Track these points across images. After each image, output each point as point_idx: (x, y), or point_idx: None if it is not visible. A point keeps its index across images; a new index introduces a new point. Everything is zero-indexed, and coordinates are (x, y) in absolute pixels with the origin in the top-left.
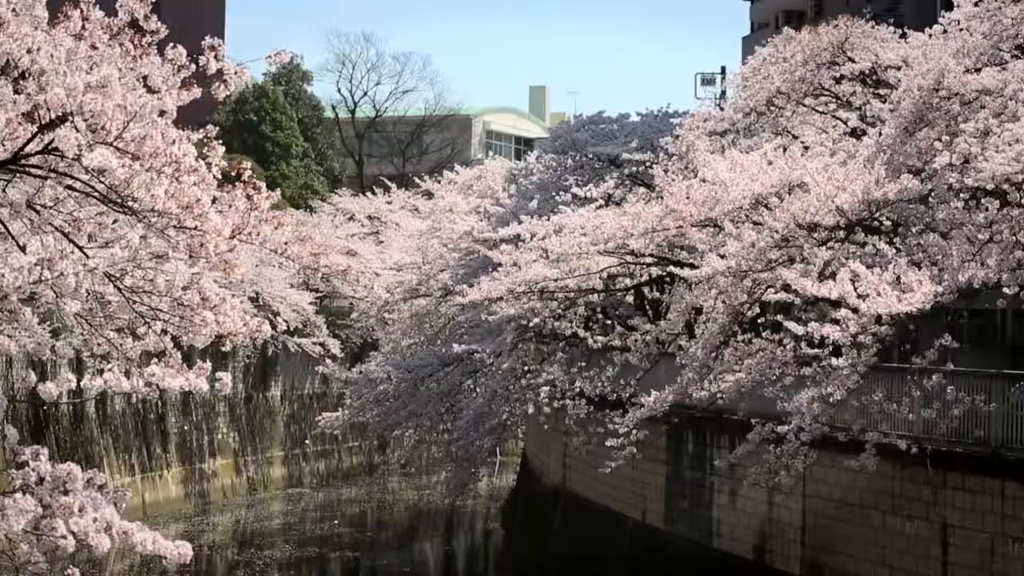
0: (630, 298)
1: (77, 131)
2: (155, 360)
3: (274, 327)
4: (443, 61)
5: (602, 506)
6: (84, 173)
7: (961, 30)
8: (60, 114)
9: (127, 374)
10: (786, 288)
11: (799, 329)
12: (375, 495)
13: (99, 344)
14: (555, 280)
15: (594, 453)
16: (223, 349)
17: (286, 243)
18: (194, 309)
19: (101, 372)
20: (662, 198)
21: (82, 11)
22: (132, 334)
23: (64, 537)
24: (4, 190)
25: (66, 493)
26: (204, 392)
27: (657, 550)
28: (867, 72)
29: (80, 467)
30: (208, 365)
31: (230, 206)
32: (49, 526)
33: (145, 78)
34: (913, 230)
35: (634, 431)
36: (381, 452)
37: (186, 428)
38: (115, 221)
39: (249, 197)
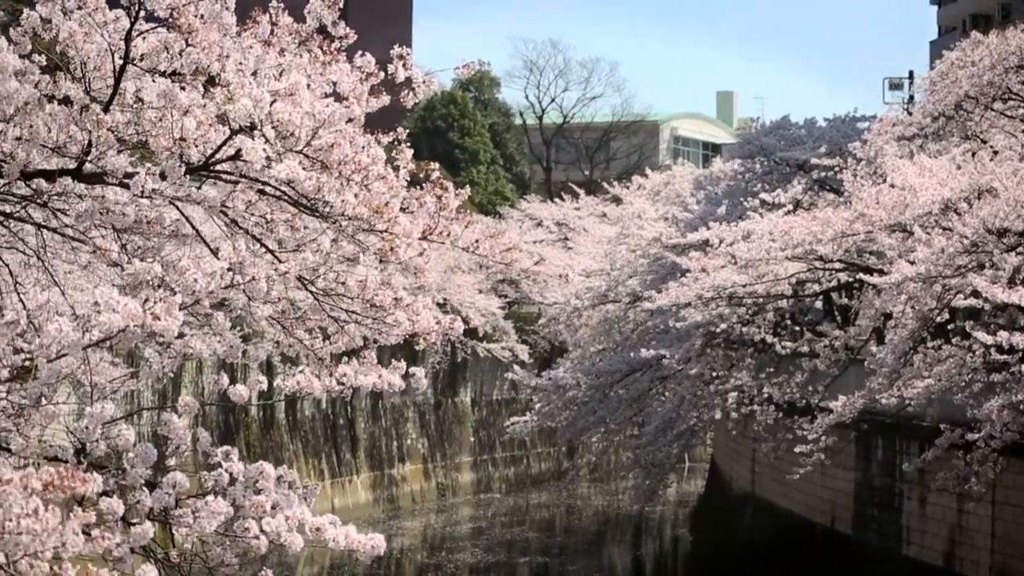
0: (819, 304)
1: (266, 140)
2: (346, 360)
3: (466, 322)
4: (630, 67)
5: (791, 512)
6: (275, 177)
7: None
8: (249, 122)
9: (318, 376)
10: (975, 294)
11: (988, 339)
12: (563, 500)
13: (290, 346)
14: (743, 286)
15: (783, 459)
16: (416, 348)
17: (476, 241)
18: (386, 309)
19: (292, 375)
20: (850, 203)
21: (271, 17)
22: (324, 334)
23: (257, 537)
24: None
25: (258, 492)
26: (397, 389)
27: (846, 556)
28: None
29: (271, 465)
30: (402, 364)
31: (420, 204)
32: (241, 527)
33: (334, 85)
34: None
35: (823, 437)
36: (569, 457)
37: (375, 433)
38: (305, 226)
39: (438, 198)
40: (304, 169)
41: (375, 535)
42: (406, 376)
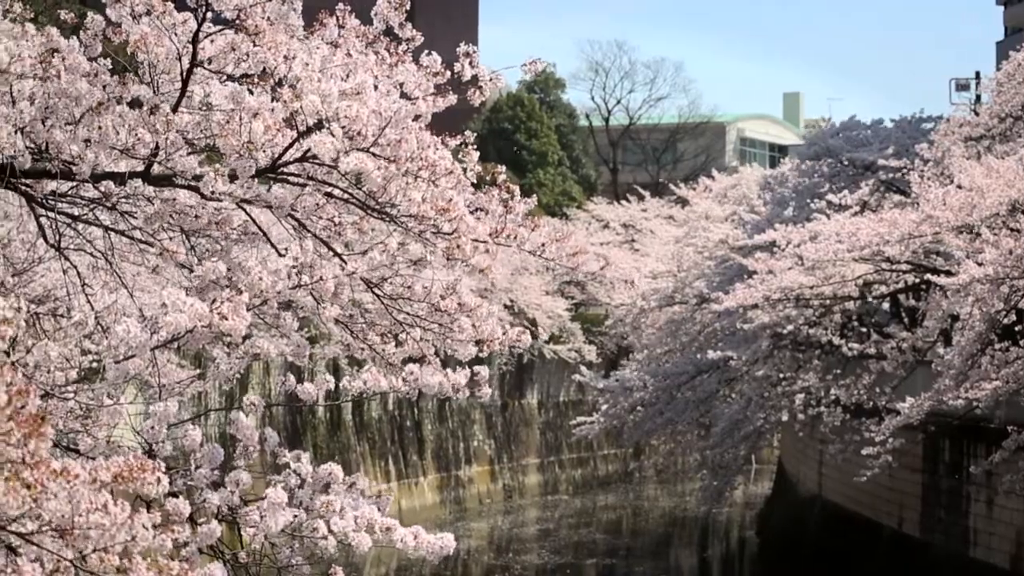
0: (886, 305)
1: (333, 136)
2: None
3: (534, 336)
4: (696, 68)
5: (858, 514)
6: (342, 180)
7: None
8: (316, 121)
9: (386, 375)
10: None
11: None
12: (630, 502)
13: (360, 350)
14: (810, 287)
15: (850, 461)
16: (480, 355)
17: (543, 244)
18: (452, 315)
19: (359, 376)
20: (917, 204)
21: (338, 19)
22: (395, 339)
23: (325, 537)
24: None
25: (326, 494)
26: (463, 393)
27: (913, 559)
28: None
29: (339, 466)
30: (467, 371)
31: (486, 212)
32: (310, 527)
33: (401, 85)
34: None
35: (890, 439)
36: (636, 459)
37: (442, 435)
38: (373, 229)
39: (504, 201)
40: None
41: (444, 535)
42: (472, 377)
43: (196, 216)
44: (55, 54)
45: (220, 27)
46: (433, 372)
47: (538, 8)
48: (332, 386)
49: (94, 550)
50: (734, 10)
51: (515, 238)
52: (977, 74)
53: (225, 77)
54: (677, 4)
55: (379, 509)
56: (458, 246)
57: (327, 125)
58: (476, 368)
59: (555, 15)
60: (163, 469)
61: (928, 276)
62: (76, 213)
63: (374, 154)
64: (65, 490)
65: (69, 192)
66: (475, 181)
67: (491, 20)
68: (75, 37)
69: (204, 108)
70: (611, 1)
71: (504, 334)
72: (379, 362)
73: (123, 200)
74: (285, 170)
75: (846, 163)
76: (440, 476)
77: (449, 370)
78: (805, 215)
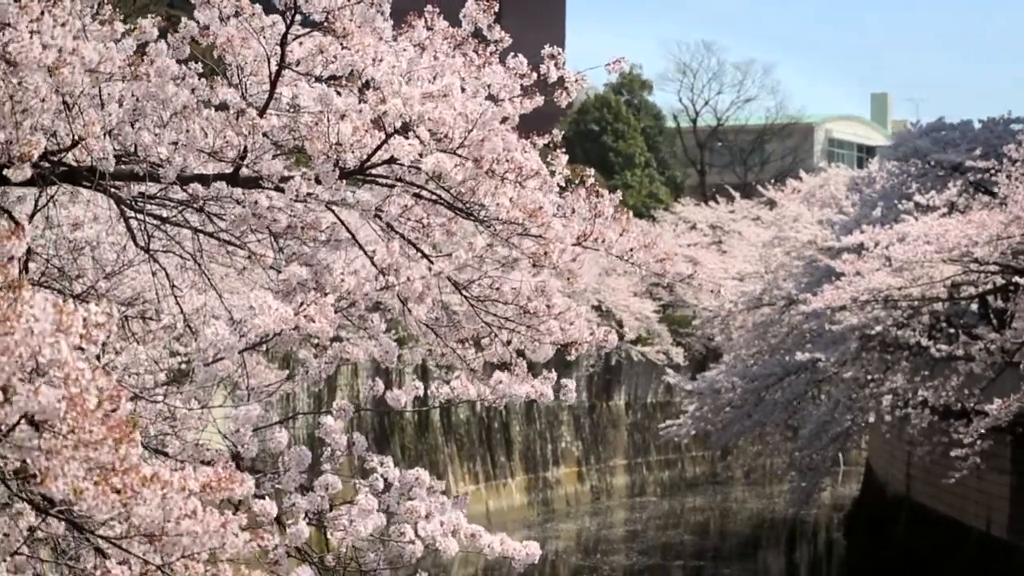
0: (974, 306)
1: (420, 141)
2: (498, 369)
3: (621, 337)
4: (783, 69)
5: (946, 516)
6: (430, 181)
7: None
8: (403, 123)
9: (473, 382)
10: None
11: None
12: (718, 504)
13: (443, 355)
14: (898, 289)
15: (938, 463)
16: (567, 359)
17: (631, 249)
18: (540, 317)
19: (447, 381)
20: (1006, 205)
21: (426, 21)
22: (476, 344)
23: (412, 542)
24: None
25: (412, 499)
26: (549, 401)
27: (1001, 561)
28: None
29: (426, 471)
30: (553, 375)
31: (573, 211)
32: (397, 532)
33: (488, 87)
34: None
35: (978, 441)
36: (724, 461)
37: (530, 436)
38: (460, 229)
39: (593, 204)
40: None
41: (530, 543)
42: (557, 387)
43: (282, 220)
44: (144, 56)
45: (308, 29)
46: (521, 381)
47: (625, 9)
48: (420, 392)
49: (182, 556)
50: (821, 11)
51: (602, 242)
52: None
53: (313, 79)
54: (767, 4)
55: (461, 510)
56: (545, 253)
57: (412, 128)
58: (563, 381)
59: (642, 16)
60: (247, 477)
61: (1017, 278)
62: (165, 215)
63: (460, 155)
64: (156, 495)
65: (158, 194)
66: (563, 184)
67: (578, 21)
68: (163, 40)
69: (292, 110)
70: (699, 2)
71: (591, 335)
72: (464, 368)
73: (211, 202)
74: (373, 171)
75: (933, 164)
76: (528, 477)
77: (536, 379)
78: (893, 216)
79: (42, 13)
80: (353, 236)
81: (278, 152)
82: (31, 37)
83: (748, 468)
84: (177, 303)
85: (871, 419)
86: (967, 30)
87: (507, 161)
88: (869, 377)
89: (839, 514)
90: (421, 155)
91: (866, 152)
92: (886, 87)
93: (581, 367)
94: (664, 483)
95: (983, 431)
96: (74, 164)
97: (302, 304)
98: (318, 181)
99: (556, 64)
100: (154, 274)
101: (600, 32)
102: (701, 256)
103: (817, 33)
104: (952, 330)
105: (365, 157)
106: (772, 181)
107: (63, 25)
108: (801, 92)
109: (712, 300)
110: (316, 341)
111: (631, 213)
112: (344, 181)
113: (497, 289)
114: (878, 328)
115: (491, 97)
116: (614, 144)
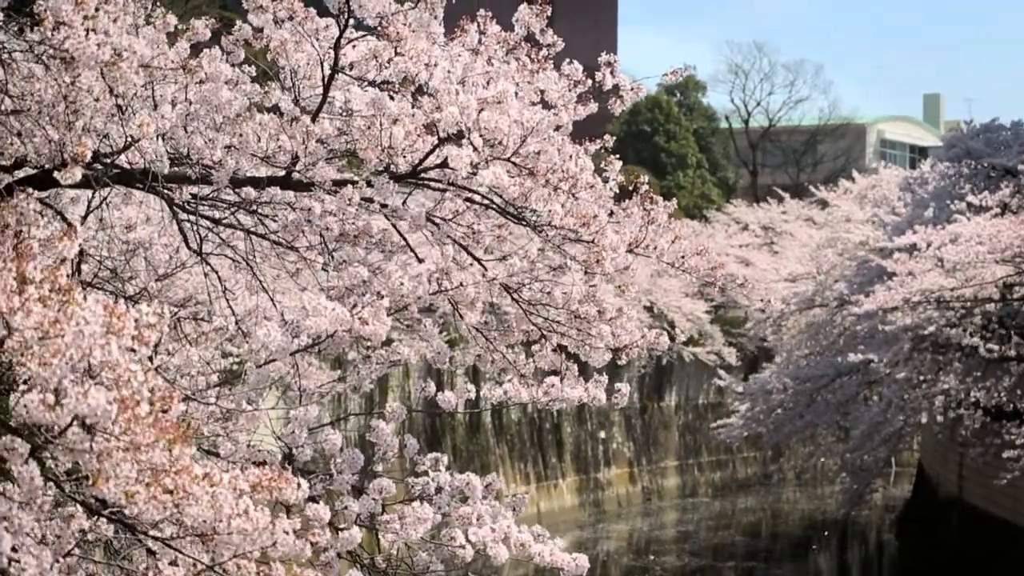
0: None
1: (474, 148)
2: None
3: (672, 339)
4: (835, 69)
5: (998, 518)
6: (482, 186)
7: None
8: (457, 131)
9: (525, 386)
10: None
11: None
12: (769, 505)
13: (492, 362)
14: (951, 289)
15: (990, 464)
16: (619, 363)
17: (682, 257)
18: (590, 322)
19: (500, 384)
20: None
21: (479, 26)
22: (526, 350)
23: (463, 546)
24: (404, 203)
25: (464, 502)
26: (601, 403)
27: None
28: None
29: (477, 476)
30: (604, 378)
31: (626, 215)
32: (448, 535)
33: (542, 93)
34: None
35: None
36: (775, 462)
37: (581, 437)
38: (511, 234)
39: (646, 211)
40: (510, 176)
41: (579, 555)
42: (609, 389)
43: (335, 226)
44: (198, 57)
45: (362, 33)
46: (573, 386)
47: (677, 10)
48: (472, 395)
49: (234, 556)
50: (874, 11)
51: (655, 249)
52: None
53: (366, 83)
54: (819, 4)
55: (515, 510)
56: (597, 261)
57: (467, 135)
58: (617, 385)
59: (694, 17)
60: (300, 479)
61: None
62: (217, 217)
63: (515, 163)
64: (207, 495)
65: (210, 195)
66: (617, 191)
67: (630, 21)
68: (216, 45)
69: (345, 114)
70: (751, 2)
71: (642, 337)
72: (515, 373)
73: (263, 205)
74: (425, 176)
75: (986, 165)
76: (579, 478)
77: (588, 383)
78: (945, 217)
79: (96, 9)
80: (406, 240)
81: (331, 156)
82: (87, 35)
83: (800, 469)
84: (229, 305)
85: (923, 420)
86: (1021, 30)
87: (562, 171)
88: (921, 378)
89: (891, 515)
90: (475, 163)
91: (918, 153)
92: (939, 88)
93: (632, 368)
94: (715, 484)
95: None
96: (127, 166)
97: (355, 306)
98: (370, 185)
99: (612, 71)
100: (206, 275)
101: (651, 34)
102: (753, 257)
103: (870, 33)
104: (1004, 331)
105: (417, 162)
106: (824, 182)
107: (115, 21)
108: (852, 93)
109: (762, 305)
110: (368, 343)
111: (683, 217)
112: (396, 185)
113: (548, 293)
114: (930, 329)
115: (544, 102)
116: (666, 145)
